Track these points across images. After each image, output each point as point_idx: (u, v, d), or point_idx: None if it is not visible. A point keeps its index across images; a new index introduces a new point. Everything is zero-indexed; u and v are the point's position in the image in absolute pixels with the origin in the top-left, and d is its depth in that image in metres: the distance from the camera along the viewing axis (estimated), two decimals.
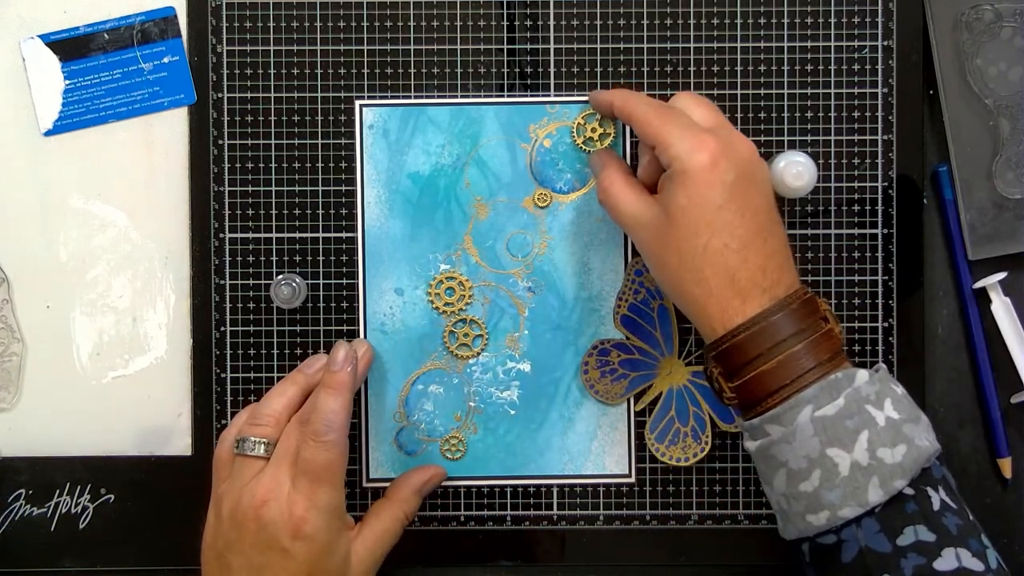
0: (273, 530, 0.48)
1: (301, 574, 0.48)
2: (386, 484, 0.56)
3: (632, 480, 0.57)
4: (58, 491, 0.57)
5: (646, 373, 0.56)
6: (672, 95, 0.51)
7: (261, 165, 0.57)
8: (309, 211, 0.57)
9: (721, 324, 0.46)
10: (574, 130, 0.56)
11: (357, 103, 0.57)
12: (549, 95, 0.57)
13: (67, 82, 0.57)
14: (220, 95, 0.57)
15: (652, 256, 0.49)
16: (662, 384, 0.56)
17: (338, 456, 0.49)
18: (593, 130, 0.56)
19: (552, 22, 0.57)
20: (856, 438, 0.44)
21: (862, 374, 0.46)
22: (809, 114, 0.57)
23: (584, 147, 0.56)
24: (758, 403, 0.46)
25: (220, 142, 0.57)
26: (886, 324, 0.57)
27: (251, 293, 0.57)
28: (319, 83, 0.57)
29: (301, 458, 0.49)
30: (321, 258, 0.57)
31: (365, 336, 0.57)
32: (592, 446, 0.57)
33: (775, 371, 0.45)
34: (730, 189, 0.46)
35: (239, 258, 0.57)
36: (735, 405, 0.48)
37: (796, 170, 0.53)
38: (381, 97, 0.57)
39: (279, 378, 0.57)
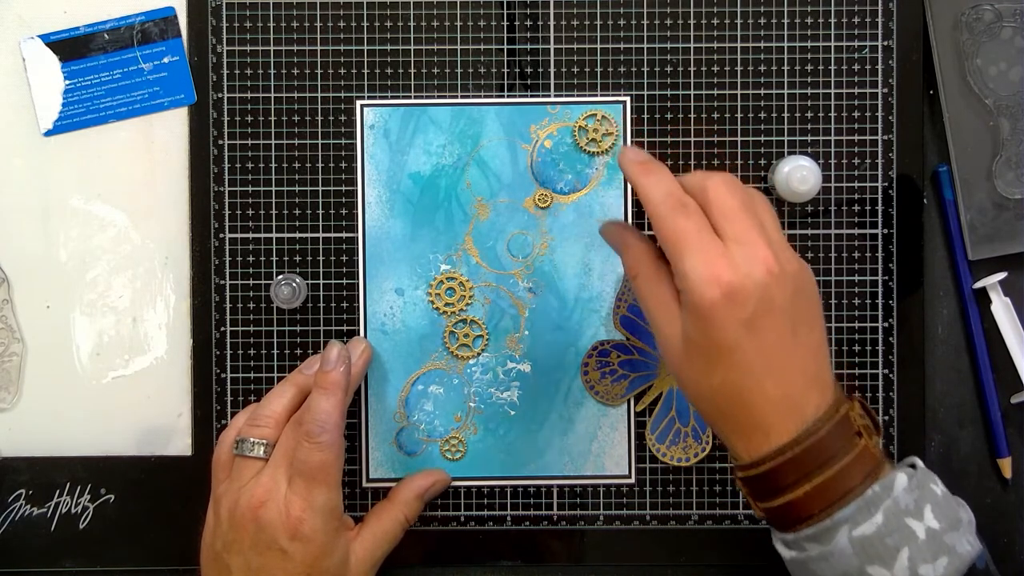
0: (271, 531, 0.48)
1: (299, 574, 0.48)
2: (386, 484, 0.56)
3: (632, 481, 0.57)
4: (58, 491, 0.57)
5: (646, 374, 0.56)
6: (701, 171, 0.45)
7: (261, 165, 0.57)
8: (309, 211, 0.57)
9: (746, 452, 0.43)
10: (576, 131, 0.56)
11: (358, 103, 0.57)
12: (549, 95, 0.57)
13: (67, 82, 0.57)
14: (220, 95, 0.57)
15: (671, 368, 0.45)
16: (662, 384, 0.56)
17: (333, 456, 0.49)
18: (595, 130, 0.56)
19: (552, 22, 0.57)
20: (896, 556, 0.42)
21: (900, 480, 0.43)
22: (809, 114, 0.57)
23: (587, 148, 0.56)
24: (790, 526, 0.44)
25: (220, 142, 0.57)
26: (886, 324, 0.57)
27: (251, 293, 0.57)
28: (319, 83, 0.57)
29: (296, 459, 0.49)
30: (321, 258, 0.57)
31: (365, 336, 0.57)
32: (592, 447, 0.57)
33: (805, 501, 0.43)
34: (745, 326, 0.42)
35: (239, 258, 0.57)
36: (766, 522, 0.45)
37: (801, 175, 0.53)
38: (381, 97, 0.57)
39: (279, 378, 0.57)
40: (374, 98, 0.57)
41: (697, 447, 0.56)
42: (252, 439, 0.50)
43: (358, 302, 0.57)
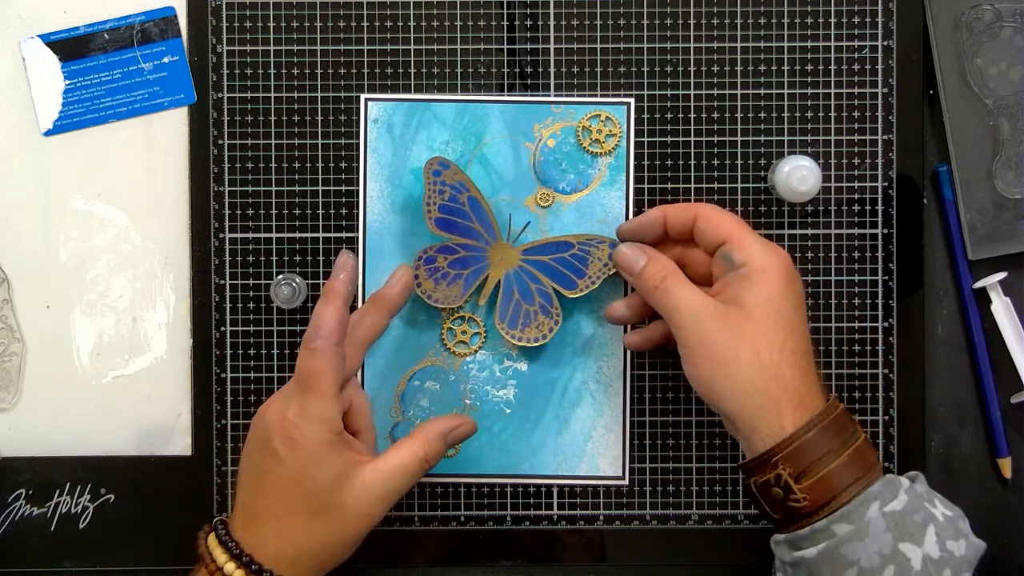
0: (269, 431, 0.48)
1: (290, 479, 0.48)
2: None
3: (625, 482, 0.57)
4: (58, 491, 0.57)
5: (478, 267, 0.55)
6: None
7: (261, 165, 0.57)
8: (309, 211, 0.57)
9: (792, 421, 0.46)
10: (579, 131, 0.56)
11: (362, 97, 0.57)
12: (549, 95, 0.57)
13: (67, 82, 0.57)
14: (220, 95, 0.57)
15: (716, 351, 0.48)
16: (497, 272, 0.55)
17: (325, 364, 0.48)
18: (599, 131, 0.56)
19: (552, 22, 0.57)
20: (924, 532, 0.45)
21: (906, 478, 0.48)
22: (809, 114, 0.57)
23: (590, 149, 0.56)
24: (829, 501, 0.45)
25: (220, 142, 0.57)
26: (886, 324, 0.57)
27: (251, 293, 0.57)
28: (319, 83, 0.57)
29: (297, 366, 0.49)
30: (321, 258, 0.57)
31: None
32: (587, 447, 0.57)
33: (849, 464, 0.46)
34: (799, 295, 0.48)
35: (239, 258, 0.57)
36: (799, 509, 0.46)
37: (801, 174, 0.53)
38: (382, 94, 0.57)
39: (279, 378, 0.57)
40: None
41: (549, 322, 0.54)
42: None
43: (357, 302, 0.57)
